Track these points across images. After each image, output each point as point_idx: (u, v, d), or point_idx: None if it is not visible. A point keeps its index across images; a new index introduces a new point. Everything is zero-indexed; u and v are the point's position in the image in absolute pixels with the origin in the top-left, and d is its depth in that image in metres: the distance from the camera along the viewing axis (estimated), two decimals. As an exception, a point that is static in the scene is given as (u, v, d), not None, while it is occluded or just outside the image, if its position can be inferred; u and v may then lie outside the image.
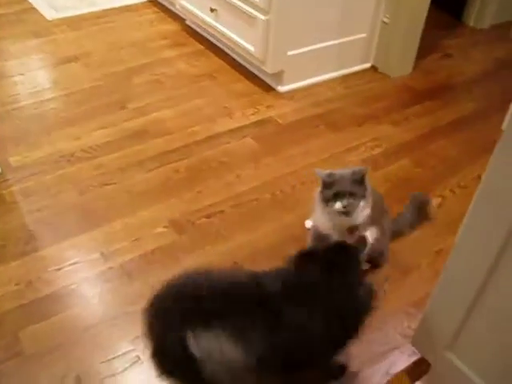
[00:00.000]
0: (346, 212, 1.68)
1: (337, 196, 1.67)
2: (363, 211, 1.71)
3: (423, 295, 1.76)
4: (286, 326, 1.28)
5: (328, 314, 1.31)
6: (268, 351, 1.26)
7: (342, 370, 1.58)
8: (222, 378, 1.25)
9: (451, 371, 1.43)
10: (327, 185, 1.68)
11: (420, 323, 1.52)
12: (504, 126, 1.14)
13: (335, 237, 1.74)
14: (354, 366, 1.62)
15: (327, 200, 1.69)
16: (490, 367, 1.34)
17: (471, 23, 3.62)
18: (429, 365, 1.54)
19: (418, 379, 1.58)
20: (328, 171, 1.70)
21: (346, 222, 1.72)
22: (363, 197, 1.69)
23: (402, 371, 1.62)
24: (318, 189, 1.73)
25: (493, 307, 1.27)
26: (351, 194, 1.67)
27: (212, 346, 1.22)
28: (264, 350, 1.25)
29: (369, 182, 1.72)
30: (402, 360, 1.65)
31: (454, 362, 1.42)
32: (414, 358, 1.64)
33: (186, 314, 1.26)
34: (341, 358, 1.53)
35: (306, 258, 1.39)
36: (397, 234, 2.00)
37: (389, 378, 1.60)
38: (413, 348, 1.62)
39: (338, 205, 1.67)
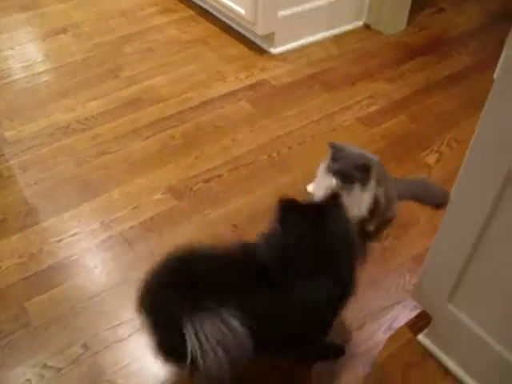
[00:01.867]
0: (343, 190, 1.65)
1: (337, 174, 1.66)
2: (361, 200, 1.69)
3: (423, 250, 1.78)
4: (284, 297, 1.24)
5: (325, 273, 1.27)
6: (266, 324, 1.21)
7: (341, 351, 1.57)
8: (216, 362, 1.17)
9: (452, 322, 1.44)
10: (333, 158, 1.68)
11: (420, 277, 1.52)
12: (495, 74, 1.13)
13: None
14: (356, 322, 1.64)
15: (328, 173, 1.68)
16: (490, 316, 1.35)
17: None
18: (430, 318, 1.55)
19: (419, 332, 1.60)
20: (340, 145, 1.69)
21: None
22: (363, 184, 1.67)
23: (404, 326, 1.64)
24: (327, 158, 1.72)
25: (490, 256, 1.28)
26: (349, 177, 1.65)
27: (209, 329, 1.17)
28: (262, 323, 1.18)
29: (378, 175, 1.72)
30: (404, 314, 1.67)
31: (454, 314, 1.43)
32: (415, 312, 1.66)
33: (181, 295, 1.21)
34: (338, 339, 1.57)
35: (289, 212, 1.31)
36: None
37: (391, 332, 1.62)
38: (414, 302, 1.64)
39: (334, 182, 1.66)
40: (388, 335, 1.61)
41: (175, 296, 1.22)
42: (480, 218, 1.23)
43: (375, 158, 1.74)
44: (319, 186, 1.76)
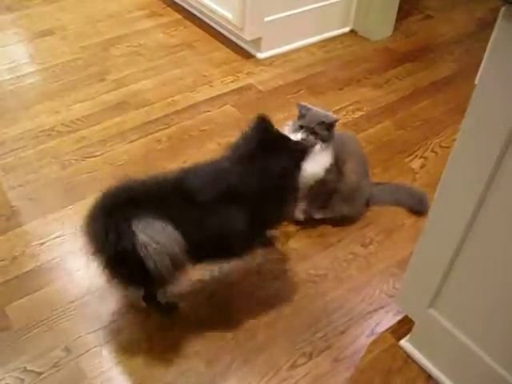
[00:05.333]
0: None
1: (300, 128, 1.75)
2: (320, 158, 1.76)
3: (407, 255, 1.78)
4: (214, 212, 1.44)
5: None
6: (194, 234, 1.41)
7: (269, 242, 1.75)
8: (160, 262, 1.35)
9: (434, 328, 1.45)
10: (299, 116, 1.78)
11: (403, 282, 1.53)
12: (476, 80, 1.14)
13: None
14: (339, 326, 1.64)
15: (294, 129, 1.77)
16: (472, 322, 1.35)
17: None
18: (413, 323, 1.55)
19: (402, 337, 1.60)
20: (306, 104, 1.79)
21: None
22: (324, 142, 1.75)
23: (386, 331, 1.64)
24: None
25: (472, 263, 1.28)
26: (313, 133, 1.74)
27: (154, 231, 1.35)
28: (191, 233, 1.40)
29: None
30: (387, 319, 1.67)
31: (436, 319, 1.43)
32: (398, 317, 1.67)
33: (125, 208, 1.40)
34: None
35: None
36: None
37: (374, 337, 1.62)
38: (397, 307, 1.64)
39: (297, 136, 1.74)
40: (371, 340, 1.61)
41: (122, 208, 1.40)
42: (462, 224, 1.24)
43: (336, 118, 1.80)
44: None
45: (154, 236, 1.35)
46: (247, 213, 1.45)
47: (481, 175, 1.15)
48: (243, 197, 1.45)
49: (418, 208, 1.98)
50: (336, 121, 1.78)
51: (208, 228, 1.43)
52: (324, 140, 1.75)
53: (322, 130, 1.74)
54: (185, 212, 1.42)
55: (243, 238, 1.50)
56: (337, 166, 1.80)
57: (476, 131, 1.13)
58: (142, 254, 1.33)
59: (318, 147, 1.75)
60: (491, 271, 1.24)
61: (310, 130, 1.74)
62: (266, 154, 1.48)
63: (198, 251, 1.44)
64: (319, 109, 1.81)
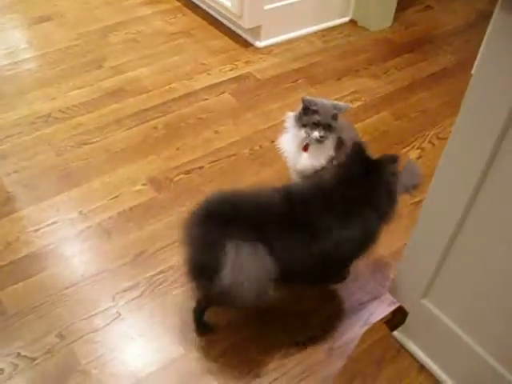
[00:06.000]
0: (320, 142, 1.74)
1: (316, 125, 1.72)
2: (329, 148, 1.77)
3: (402, 246, 1.77)
4: (322, 236, 1.37)
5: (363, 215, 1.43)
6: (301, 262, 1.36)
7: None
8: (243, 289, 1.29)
9: (428, 318, 1.45)
10: (309, 112, 1.73)
11: (397, 272, 1.53)
12: (473, 70, 1.14)
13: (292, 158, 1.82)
14: (334, 315, 1.64)
15: (304, 126, 1.74)
16: (465, 313, 1.36)
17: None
18: (406, 313, 1.55)
19: (395, 328, 1.60)
20: (311, 98, 1.75)
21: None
22: (334, 132, 1.75)
23: (380, 320, 1.64)
24: (295, 112, 1.79)
25: (465, 253, 1.28)
26: (328, 127, 1.73)
27: (247, 256, 1.29)
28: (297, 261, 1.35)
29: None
30: (381, 309, 1.67)
31: (430, 310, 1.43)
32: (392, 308, 1.66)
33: (224, 224, 1.33)
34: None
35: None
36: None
37: (368, 327, 1.62)
38: (392, 297, 1.64)
39: (316, 134, 1.72)
40: (364, 330, 1.62)
41: (219, 222, 1.34)
42: (456, 214, 1.24)
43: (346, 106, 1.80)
44: (289, 141, 1.81)
45: (244, 266, 1.28)
46: (357, 237, 1.43)
47: (476, 165, 1.14)
48: (354, 220, 1.42)
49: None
50: (347, 109, 1.77)
51: (314, 253, 1.37)
52: (334, 130, 1.75)
53: (335, 122, 1.73)
54: (288, 236, 1.36)
55: (347, 263, 1.53)
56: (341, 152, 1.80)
57: (472, 121, 1.13)
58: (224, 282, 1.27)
59: (330, 139, 1.75)
60: (485, 262, 1.24)
61: (326, 126, 1.72)
62: (368, 178, 1.45)
63: (289, 276, 1.39)
64: (324, 100, 1.79)
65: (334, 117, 1.73)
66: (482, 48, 1.08)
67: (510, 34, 0.99)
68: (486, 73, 1.06)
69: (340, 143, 1.80)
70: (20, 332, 1.55)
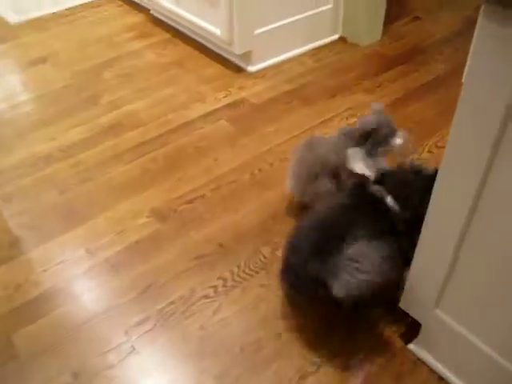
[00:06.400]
0: None
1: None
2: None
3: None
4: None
5: None
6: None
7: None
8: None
9: (441, 328, 1.44)
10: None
11: (407, 284, 1.52)
12: (463, 78, 1.15)
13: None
14: (345, 333, 1.63)
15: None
16: (479, 320, 1.35)
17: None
18: (419, 325, 1.55)
19: (410, 341, 1.60)
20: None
21: None
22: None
23: (393, 335, 1.63)
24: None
25: (473, 260, 1.28)
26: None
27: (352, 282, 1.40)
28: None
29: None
30: (394, 324, 1.66)
31: (442, 319, 1.43)
32: (406, 321, 1.66)
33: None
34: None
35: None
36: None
37: (382, 342, 1.62)
38: (404, 310, 1.63)
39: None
40: (379, 345, 1.61)
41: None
42: (461, 219, 1.24)
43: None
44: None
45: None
46: None
47: (476, 169, 1.15)
48: None
49: None
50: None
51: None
52: None
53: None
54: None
55: None
56: None
57: (467, 126, 1.14)
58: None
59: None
60: (494, 267, 1.24)
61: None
62: None
63: None
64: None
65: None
66: (469, 57, 1.10)
67: (493, 40, 1.00)
68: (474, 82, 1.08)
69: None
70: (34, 374, 1.54)
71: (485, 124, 1.08)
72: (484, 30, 1.01)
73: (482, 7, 0.99)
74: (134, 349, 1.60)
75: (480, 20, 1.01)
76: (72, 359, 1.58)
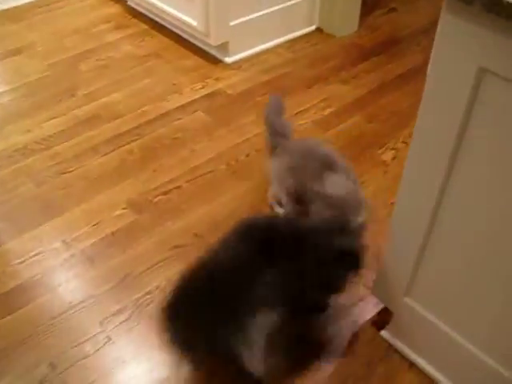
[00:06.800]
0: None
1: None
2: None
3: (382, 247, 1.80)
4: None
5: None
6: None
7: None
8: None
9: (412, 317, 1.47)
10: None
11: (378, 272, 1.55)
12: (428, 71, 1.18)
13: None
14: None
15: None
16: (448, 308, 1.38)
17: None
18: (391, 313, 1.57)
19: (382, 328, 1.63)
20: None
21: None
22: None
23: (367, 323, 1.66)
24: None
25: (442, 248, 1.31)
26: None
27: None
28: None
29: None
30: (367, 311, 1.69)
31: (413, 307, 1.45)
32: (378, 308, 1.69)
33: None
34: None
35: None
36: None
37: (354, 329, 1.65)
38: (376, 298, 1.66)
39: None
40: (350, 332, 1.64)
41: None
42: (429, 205, 1.26)
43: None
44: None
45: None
46: None
47: (443, 153, 1.17)
48: None
49: None
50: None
51: None
52: None
53: None
54: None
55: None
56: None
57: (434, 106, 1.20)
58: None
59: None
60: (462, 254, 1.27)
61: None
62: None
63: None
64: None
65: None
66: (433, 50, 1.12)
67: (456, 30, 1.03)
68: (437, 74, 1.11)
69: None
70: (12, 365, 1.55)
71: (453, 98, 1.11)
72: (445, 23, 1.04)
73: (444, 1, 1.02)
74: (109, 339, 1.62)
75: (442, 14, 1.04)
76: (49, 350, 1.59)
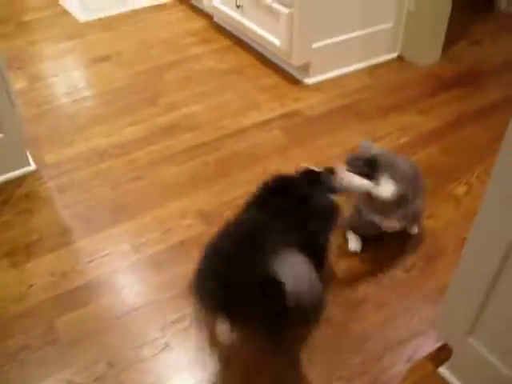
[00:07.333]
0: None
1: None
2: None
3: (449, 282, 1.76)
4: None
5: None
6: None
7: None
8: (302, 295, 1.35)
9: (473, 357, 1.43)
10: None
11: (441, 308, 1.53)
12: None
13: None
14: (376, 352, 1.64)
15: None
16: (509, 350, 1.34)
17: (502, 7, 3.54)
18: (452, 350, 1.54)
19: (441, 365, 1.59)
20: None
21: None
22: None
23: (425, 357, 1.64)
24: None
25: (510, 289, 1.28)
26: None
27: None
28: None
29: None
30: (427, 346, 1.66)
31: (475, 348, 1.42)
32: (438, 344, 1.66)
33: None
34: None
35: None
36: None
37: (412, 363, 1.62)
38: (436, 334, 1.64)
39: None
40: (408, 366, 1.61)
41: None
42: (501, 249, 1.24)
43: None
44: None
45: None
46: None
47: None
48: None
49: None
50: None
51: None
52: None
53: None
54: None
55: None
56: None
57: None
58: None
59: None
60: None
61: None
62: None
63: None
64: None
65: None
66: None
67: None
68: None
69: None
70: (72, 359, 1.61)
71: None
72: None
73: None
74: (168, 345, 1.65)
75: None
76: (108, 349, 1.64)
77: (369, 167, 1.75)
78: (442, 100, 2.71)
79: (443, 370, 1.58)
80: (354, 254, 1.93)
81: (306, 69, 2.79)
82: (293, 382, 1.58)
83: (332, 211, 1.69)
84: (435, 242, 1.98)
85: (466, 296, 1.39)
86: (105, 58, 3.01)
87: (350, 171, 1.75)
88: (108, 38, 3.20)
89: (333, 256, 1.92)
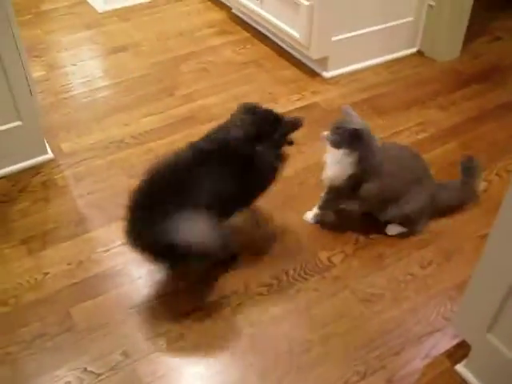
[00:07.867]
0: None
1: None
2: (341, 165, 1.86)
3: (466, 278, 1.74)
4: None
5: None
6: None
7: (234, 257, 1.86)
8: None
9: (491, 353, 1.42)
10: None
11: (460, 305, 1.51)
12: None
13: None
14: (394, 347, 1.63)
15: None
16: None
17: (524, 4, 3.51)
18: (469, 347, 1.53)
19: (458, 362, 1.58)
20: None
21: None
22: (351, 150, 1.83)
23: (442, 354, 1.62)
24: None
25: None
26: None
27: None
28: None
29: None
30: (444, 342, 1.65)
31: (494, 344, 1.40)
32: (455, 341, 1.64)
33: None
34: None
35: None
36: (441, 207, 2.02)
37: (429, 360, 1.60)
38: (454, 331, 1.62)
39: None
40: (426, 363, 1.60)
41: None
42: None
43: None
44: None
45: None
46: None
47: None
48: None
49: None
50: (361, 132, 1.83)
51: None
52: (352, 149, 1.83)
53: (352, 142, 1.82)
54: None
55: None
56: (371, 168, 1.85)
57: None
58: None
59: (343, 155, 1.85)
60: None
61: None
62: None
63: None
64: (356, 121, 1.91)
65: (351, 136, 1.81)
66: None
67: None
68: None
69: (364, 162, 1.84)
70: (87, 347, 1.61)
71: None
72: None
73: None
74: (182, 336, 1.64)
75: None
76: (124, 338, 1.64)
77: (351, 139, 1.82)
78: (463, 95, 2.68)
79: (460, 368, 1.57)
80: (371, 247, 1.92)
81: (324, 62, 2.76)
82: (311, 371, 1.57)
83: (269, 173, 1.81)
84: (453, 238, 1.96)
85: (486, 292, 1.38)
86: (122, 49, 3.01)
87: (332, 140, 1.85)
88: (126, 28, 3.19)
89: (349, 250, 1.91)
